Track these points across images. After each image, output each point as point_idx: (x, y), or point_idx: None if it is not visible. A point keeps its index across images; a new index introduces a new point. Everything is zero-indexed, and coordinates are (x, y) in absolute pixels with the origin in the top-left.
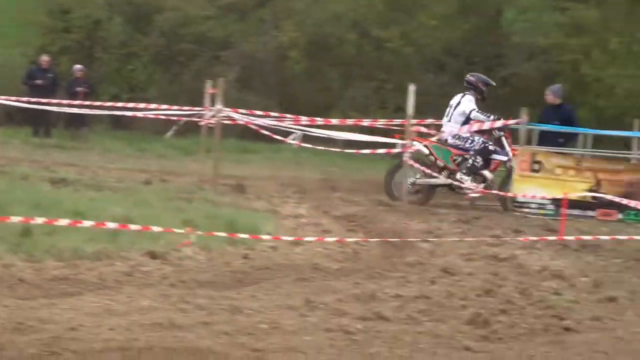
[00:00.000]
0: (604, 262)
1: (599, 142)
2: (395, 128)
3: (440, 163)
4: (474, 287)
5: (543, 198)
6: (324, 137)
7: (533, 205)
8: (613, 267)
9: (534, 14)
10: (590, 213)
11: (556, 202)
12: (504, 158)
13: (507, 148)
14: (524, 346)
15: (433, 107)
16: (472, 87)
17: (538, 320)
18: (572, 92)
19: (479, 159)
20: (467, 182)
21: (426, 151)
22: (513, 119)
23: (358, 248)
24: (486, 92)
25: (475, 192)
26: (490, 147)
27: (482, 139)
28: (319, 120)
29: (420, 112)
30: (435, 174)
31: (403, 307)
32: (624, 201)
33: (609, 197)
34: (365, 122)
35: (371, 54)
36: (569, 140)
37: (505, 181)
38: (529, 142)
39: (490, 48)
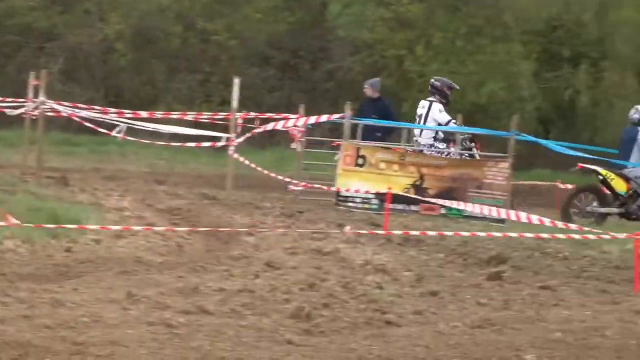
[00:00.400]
0: (426, 257)
1: None
2: (219, 122)
3: None
4: (297, 281)
5: (367, 192)
6: (150, 130)
7: (357, 200)
8: (435, 261)
9: (358, 7)
10: (413, 207)
11: (380, 196)
12: None
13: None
14: (346, 340)
15: (257, 100)
16: (438, 92)
17: (360, 314)
18: (397, 87)
19: None
20: None
21: None
22: (337, 113)
23: (182, 241)
24: (450, 95)
25: (298, 186)
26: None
27: (458, 150)
28: (143, 114)
29: (244, 106)
30: None
31: (226, 301)
32: (439, 201)
33: (427, 198)
34: (190, 116)
35: (196, 47)
36: (386, 133)
37: None
38: (353, 136)
39: (316, 41)
